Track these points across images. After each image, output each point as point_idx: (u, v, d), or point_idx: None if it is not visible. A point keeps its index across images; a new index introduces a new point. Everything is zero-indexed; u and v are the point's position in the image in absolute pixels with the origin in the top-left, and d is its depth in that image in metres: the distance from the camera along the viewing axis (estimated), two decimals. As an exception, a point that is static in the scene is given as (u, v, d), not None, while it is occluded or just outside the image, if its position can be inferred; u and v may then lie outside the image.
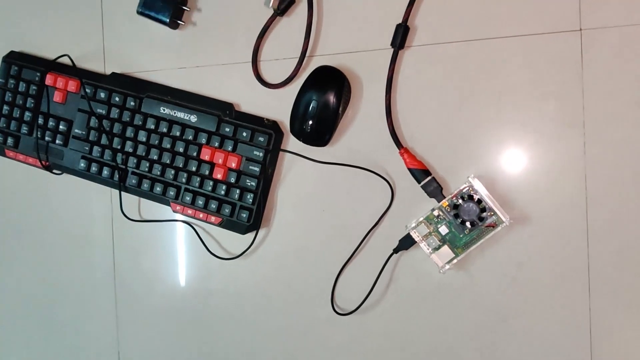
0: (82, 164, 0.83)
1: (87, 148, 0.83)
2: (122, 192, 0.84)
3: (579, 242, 0.69)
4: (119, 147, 0.81)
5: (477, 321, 0.73)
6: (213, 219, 0.79)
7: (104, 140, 0.82)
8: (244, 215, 0.77)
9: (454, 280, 0.73)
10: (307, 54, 0.76)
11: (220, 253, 0.81)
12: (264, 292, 0.80)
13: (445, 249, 0.70)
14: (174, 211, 0.81)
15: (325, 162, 0.76)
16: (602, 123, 0.68)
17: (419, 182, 0.71)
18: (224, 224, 0.79)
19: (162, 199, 0.81)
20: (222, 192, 0.78)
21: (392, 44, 0.72)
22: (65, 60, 0.85)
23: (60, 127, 0.84)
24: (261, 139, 0.76)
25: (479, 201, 0.69)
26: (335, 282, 0.76)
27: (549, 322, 0.71)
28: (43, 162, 0.85)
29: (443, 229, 0.71)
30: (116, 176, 0.82)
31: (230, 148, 0.77)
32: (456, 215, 0.70)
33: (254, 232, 0.79)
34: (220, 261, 0.81)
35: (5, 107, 0.86)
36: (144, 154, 0.80)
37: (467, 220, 0.69)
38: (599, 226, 0.69)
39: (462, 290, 0.73)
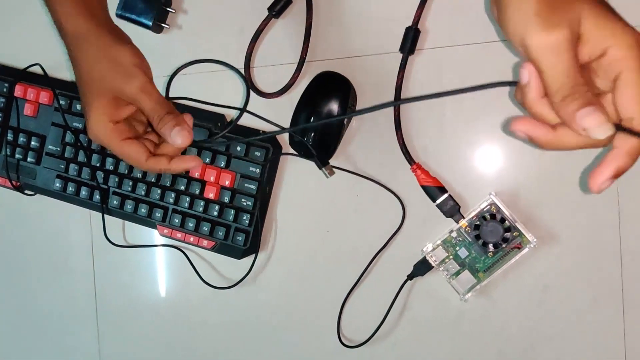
0: (57, 184, 0.78)
1: (62, 166, 0.78)
2: (104, 215, 0.78)
3: (612, 262, 0.66)
4: (98, 164, 0.76)
5: (502, 350, 0.69)
6: (205, 242, 0.73)
7: (81, 157, 0.77)
8: (240, 239, 0.72)
9: (475, 306, 0.69)
10: (307, 59, 0.71)
11: (214, 280, 0.76)
12: (263, 322, 0.76)
13: (466, 274, 0.67)
14: (162, 235, 0.76)
15: (336, 167, 0.71)
16: (635, 131, 0.63)
17: (434, 201, 0.66)
18: (217, 248, 0.74)
19: (147, 221, 0.76)
20: (215, 213, 0.73)
21: (401, 49, 0.68)
22: (36, 69, 0.80)
23: (32, 143, 0.79)
24: (257, 153, 0.71)
25: (502, 220, 0.64)
26: (341, 310, 0.72)
27: (580, 348, 0.67)
28: (14, 182, 0.80)
29: (462, 252, 0.66)
30: (96, 197, 0.77)
31: (223, 164, 0.72)
32: (477, 237, 0.65)
33: (252, 257, 0.74)
34: (214, 290, 0.76)
35: (-30, 122, 0.80)
36: (126, 172, 0.76)
37: (490, 242, 0.64)
38: (633, 244, 0.65)
39: (484, 317, 0.69)
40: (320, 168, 0.69)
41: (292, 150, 0.71)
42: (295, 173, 0.73)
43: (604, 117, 0.37)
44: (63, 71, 0.79)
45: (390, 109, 0.68)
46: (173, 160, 0.53)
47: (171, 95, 0.75)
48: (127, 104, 0.52)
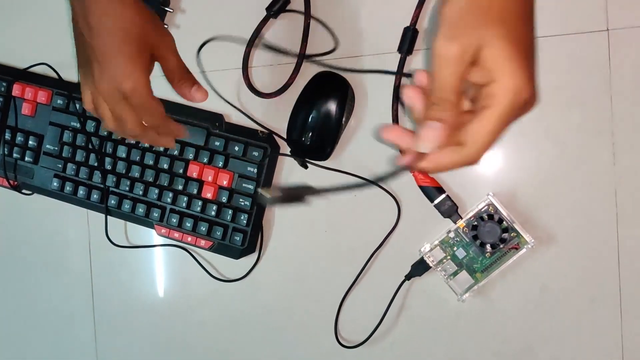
0: (54, 183, 0.78)
1: (60, 165, 0.78)
2: (100, 214, 0.78)
3: (609, 263, 0.65)
4: (95, 164, 0.76)
5: (499, 350, 0.69)
6: (203, 242, 0.73)
7: (79, 156, 0.77)
8: (238, 238, 0.71)
9: (473, 306, 0.69)
10: (305, 59, 0.70)
11: (211, 280, 0.76)
12: (260, 322, 0.76)
13: (464, 274, 0.66)
14: (159, 234, 0.75)
15: (327, 167, 0.70)
16: (633, 131, 0.64)
17: (432, 201, 0.66)
18: (215, 248, 0.73)
19: (145, 221, 0.75)
20: (213, 213, 0.72)
21: (399, 50, 0.67)
22: (36, 69, 0.80)
23: (30, 142, 0.79)
24: (255, 153, 0.71)
25: (500, 221, 0.64)
26: (338, 310, 0.72)
27: (578, 349, 0.67)
28: (11, 182, 0.80)
29: (460, 252, 0.66)
30: (94, 196, 0.76)
31: (220, 164, 0.72)
32: (474, 237, 0.65)
33: (250, 256, 0.74)
34: (212, 289, 0.76)
35: (-32, 122, 0.80)
36: (124, 171, 0.75)
37: (488, 243, 0.64)
38: (631, 245, 0.65)
39: (482, 318, 0.69)
40: (302, 166, 0.69)
41: (289, 151, 0.71)
42: (294, 173, 0.72)
43: (439, 138, 0.40)
44: (61, 70, 0.79)
45: (389, 109, 0.68)
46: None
47: (171, 97, 0.75)
48: (153, 61, 0.53)
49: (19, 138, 0.78)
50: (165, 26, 0.57)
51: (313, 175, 0.71)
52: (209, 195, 0.72)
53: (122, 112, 0.51)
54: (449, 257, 0.66)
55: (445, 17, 0.40)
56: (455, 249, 0.66)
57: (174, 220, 0.73)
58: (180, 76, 0.54)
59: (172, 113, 0.73)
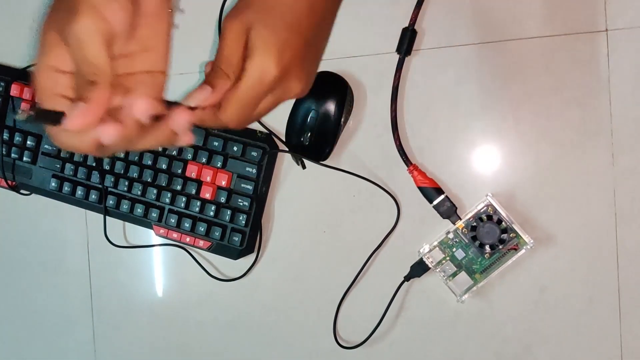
0: (53, 184, 0.78)
1: (58, 166, 0.77)
2: (99, 214, 0.77)
3: (608, 263, 0.65)
4: (94, 164, 0.76)
5: (499, 351, 0.69)
6: (201, 243, 0.73)
7: (77, 156, 0.76)
8: (236, 239, 0.71)
9: (472, 307, 0.68)
10: (303, 59, 0.69)
11: (210, 281, 0.76)
12: (259, 323, 0.75)
13: (463, 275, 0.66)
14: (158, 235, 0.75)
15: (327, 165, 0.70)
16: (632, 131, 0.64)
17: (431, 202, 0.66)
18: (213, 249, 0.73)
19: (143, 221, 0.75)
20: (211, 213, 0.72)
21: (398, 50, 0.67)
22: (34, 68, 0.78)
23: (28, 142, 0.78)
24: (254, 153, 0.70)
25: (499, 221, 0.64)
26: (337, 310, 0.72)
27: (577, 349, 0.67)
28: (9, 182, 0.80)
29: (459, 253, 0.66)
30: (92, 196, 0.76)
31: (219, 164, 0.71)
32: (474, 238, 0.65)
33: (249, 257, 0.73)
34: (211, 289, 0.76)
35: (-34, 122, 0.79)
36: (122, 171, 0.75)
37: (487, 244, 0.64)
38: (629, 245, 0.65)
39: (481, 319, 0.69)
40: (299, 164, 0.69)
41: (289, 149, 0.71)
42: (292, 173, 0.72)
43: (200, 99, 0.43)
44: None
45: (388, 109, 0.67)
46: None
47: (170, 97, 0.75)
48: None
49: (17, 138, 0.78)
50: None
51: (312, 174, 0.71)
52: (207, 196, 0.71)
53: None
54: (448, 258, 0.66)
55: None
56: (454, 249, 0.66)
57: (173, 221, 0.73)
58: None
59: (170, 113, 0.73)
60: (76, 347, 0.83)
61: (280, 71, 0.42)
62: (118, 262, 0.80)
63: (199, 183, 0.72)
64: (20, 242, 0.84)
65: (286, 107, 0.70)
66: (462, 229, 0.65)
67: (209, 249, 0.73)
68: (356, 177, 0.69)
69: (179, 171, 0.72)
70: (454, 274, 0.66)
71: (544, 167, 0.66)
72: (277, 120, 0.71)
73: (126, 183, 0.74)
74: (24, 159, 0.78)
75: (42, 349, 0.85)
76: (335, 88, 0.67)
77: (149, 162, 0.73)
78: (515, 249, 0.64)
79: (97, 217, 0.78)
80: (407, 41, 0.66)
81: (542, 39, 0.65)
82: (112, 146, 0.41)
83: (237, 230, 0.72)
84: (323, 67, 0.70)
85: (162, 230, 0.74)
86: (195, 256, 0.75)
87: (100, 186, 0.75)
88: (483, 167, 0.67)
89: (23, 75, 0.78)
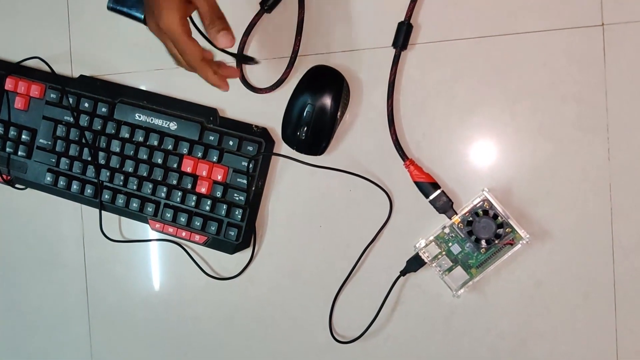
0: (48, 178, 0.77)
1: (53, 160, 0.77)
2: (94, 208, 0.77)
3: (604, 258, 0.65)
4: (89, 158, 0.75)
5: (494, 346, 0.68)
6: (197, 237, 0.73)
7: (72, 151, 0.76)
8: (232, 233, 0.71)
9: (467, 302, 0.68)
10: (299, 53, 0.70)
11: (205, 276, 0.75)
12: (255, 317, 0.75)
13: (459, 270, 0.66)
14: (153, 229, 0.74)
15: (321, 166, 0.70)
16: (628, 127, 0.64)
17: (427, 197, 0.66)
18: (209, 243, 0.73)
19: (139, 215, 0.75)
20: (207, 208, 0.72)
21: (394, 45, 0.67)
22: (29, 63, 0.79)
23: (23, 136, 0.78)
24: (250, 148, 0.70)
25: (495, 216, 0.64)
26: (333, 305, 0.72)
27: (572, 344, 0.67)
28: (4, 176, 0.80)
29: (455, 248, 0.66)
30: (88, 191, 0.76)
31: (215, 159, 0.71)
32: (469, 233, 0.64)
33: (244, 251, 0.73)
34: (207, 284, 0.76)
35: (-40, 116, 0.79)
36: (117, 166, 0.75)
37: (483, 238, 0.64)
38: (625, 240, 0.65)
39: (477, 313, 0.68)
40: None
41: (285, 146, 0.70)
42: (288, 168, 0.72)
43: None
44: (55, 64, 0.78)
45: (384, 103, 0.67)
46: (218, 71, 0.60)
47: (165, 91, 0.74)
48: (190, 4, 0.58)
49: (12, 132, 0.78)
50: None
51: (308, 169, 0.70)
52: (203, 190, 0.71)
53: (169, 48, 0.58)
54: (444, 253, 0.66)
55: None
56: (450, 244, 0.66)
57: (168, 215, 0.73)
58: (210, 20, 0.57)
59: (165, 107, 0.73)
60: (72, 341, 0.83)
61: None
62: (114, 256, 0.79)
63: (195, 177, 0.72)
64: (16, 237, 0.83)
65: (282, 101, 0.69)
66: (458, 223, 0.65)
67: (204, 244, 0.73)
68: (350, 174, 0.69)
69: (175, 166, 0.72)
70: (450, 269, 0.66)
71: (540, 162, 0.66)
72: (273, 114, 0.71)
73: (122, 177, 0.74)
74: (19, 153, 0.78)
75: (38, 343, 0.84)
76: (332, 82, 0.67)
77: (145, 157, 0.73)
78: (511, 244, 0.64)
79: (92, 212, 0.78)
80: (403, 35, 0.66)
81: (538, 34, 0.64)
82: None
83: (233, 224, 0.71)
84: (319, 61, 0.70)
85: (157, 225, 0.74)
86: (190, 252, 0.75)
87: (95, 181, 0.75)
88: (479, 162, 0.67)
89: (17, 70, 0.78)
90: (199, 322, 0.77)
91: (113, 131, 0.74)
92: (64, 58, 0.78)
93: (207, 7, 0.57)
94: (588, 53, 0.64)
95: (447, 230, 0.66)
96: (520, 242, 0.64)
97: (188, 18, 0.58)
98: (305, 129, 0.68)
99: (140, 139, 0.73)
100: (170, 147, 0.72)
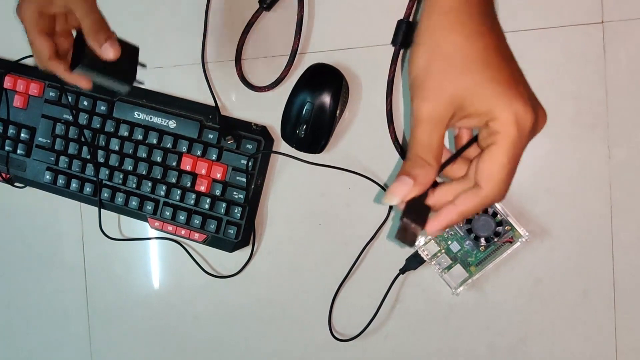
0: (47, 176, 0.77)
1: (52, 158, 0.77)
2: (93, 207, 0.77)
3: (603, 255, 0.65)
4: (88, 157, 0.75)
5: (493, 343, 0.68)
6: (197, 235, 0.72)
7: (71, 149, 0.76)
8: (232, 232, 0.71)
9: (467, 299, 0.68)
10: (298, 51, 0.70)
11: (204, 274, 0.75)
12: (254, 316, 0.75)
13: (458, 268, 0.66)
14: (152, 227, 0.74)
15: (320, 164, 0.70)
16: (628, 124, 0.63)
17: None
18: (209, 241, 0.73)
19: (138, 214, 0.75)
20: (207, 206, 0.72)
21: (393, 42, 0.67)
22: (28, 61, 0.79)
23: (22, 135, 0.78)
24: (249, 146, 0.70)
25: (494, 214, 0.63)
26: (332, 303, 0.72)
27: (571, 341, 0.67)
28: (3, 175, 0.80)
29: (454, 246, 0.66)
30: (87, 189, 0.76)
31: (214, 157, 0.71)
32: (469, 231, 0.64)
33: (244, 249, 0.73)
34: (206, 282, 0.76)
35: (-41, 114, 0.79)
36: (117, 164, 0.74)
37: (482, 236, 0.64)
38: (625, 237, 0.64)
39: (476, 311, 0.68)
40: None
41: (284, 144, 0.70)
42: (288, 166, 0.72)
43: (406, 194, 0.40)
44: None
45: (383, 103, 0.67)
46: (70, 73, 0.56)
47: (164, 89, 0.74)
48: (60, 6, 0.54)
49: (11, 131, 0.78)
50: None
51: (308, 167, 0.70)
52: (202, 188, 0.71)
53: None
54: (443, 251, 0.66)
55: (414, 77, 0.40)
56: (449, 242, 0.66)
57: (168, 213, 0.73)
58: (93, 33, 0.53)
59: (164, 105, 0.73)
60: (71, 339, 0.83)
61: (531, 109, 0.39)
62: (113, 255, 0.79)
63: (194, 176, 0.72)
64: (15, 235, 0.83)
65: (282, 99, 0.69)
66: (458, 221, 0.65)
67: (204, 242, 0.73)
68: (350, 172, 0.69)
69: (174, 164, 0.72)
70: (449, 267, 0.66)
71: (539, 160, 0.66)
72: (272, 112, 0.71)
73: (121, 176, 0.74)
74: (18, 151, 0.78)
75: (38, 341, 0.84)
76: (331, 80, 0.67)
77: (144, 155, 0.73)
78: (510, 242, 0.64)
79: (92, 210, 0.78)
80: (402, 33, 0.66)
81: (537, 31, 0.64)
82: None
83: (232, 223, 0.71)
84: (318, 59, 0.69)
85: (157, 223, 0.74)
86: (190, 250, 0.75)
87: (94, 179, 0.75)
88: (478, 160, 0.67)
89: (16, 68, 0.78)
90: (198, 320, 0.77)
91: (112, 129, 0.74)
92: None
93: (89, 19, 0.53)
94: (588, 50, 0.63)
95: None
96: (520, 240, 0.64)
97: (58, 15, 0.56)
98: (305, 127, 0.67)
99: (139, 137, 0.73)
100: (169, 145, 0.72)
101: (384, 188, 0.68)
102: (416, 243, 0.66)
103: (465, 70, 0.39)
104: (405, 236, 0.41)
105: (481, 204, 0.40)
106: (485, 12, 0.41)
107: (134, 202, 0.74)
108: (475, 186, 0.40)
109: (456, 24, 0.39)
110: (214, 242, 0.73)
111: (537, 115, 0.40)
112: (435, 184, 0.42)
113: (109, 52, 0.53)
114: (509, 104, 0.38)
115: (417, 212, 0.41)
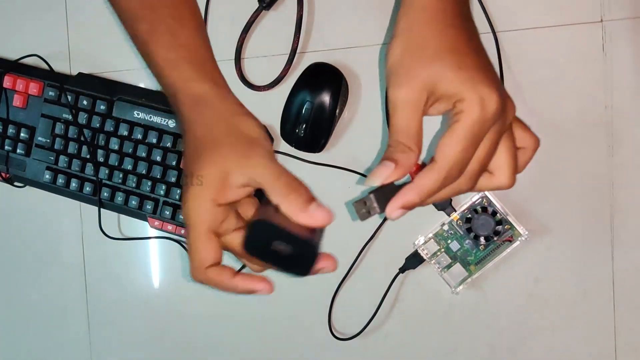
0: (47, 176, 0.77)
1: (52, 158, 0.77)
2: (93, 206, 0.77)
3: (603, 255, 0.65)
4: (88, 156, 0.75)
5: (493, 343, 0.69)
6: (196, 235, 0.72)
7: (71, 148, 0.76)
8: (231, 231, 0.70)
9: (466, 298, 0.68)
10: (298, 50, 0.70)
11: (205, 273, 0.75)
12: (254, 315, 0.75)
13: (458, 267, 0.66)
14: (152, 227, 0.74)
15: (320, 163, 0.70)
16: (630, 122, 0.64)
17: (426, 193, 0.65)
18: (208, 241, 0.72)
19: (138, 213, 0.75)
20: (206, 206, 0.71)
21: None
22: (27, 60, 0.78)
23: (22, 134, 0.77)
24: (248, 145, 0.69)
25: (494, 213, 0.64)
26: (332, 302, 0.72)
27: (571, 340, 0.67)
28: (3, 174, 0.79)
29: (454, 245, 0.66)
30: (87, 189, 0.76)
31: (213, 156, 0.70)
32: (468, 230, 0.64)
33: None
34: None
35: (-42, 113, 0.79)
36: (116, 163, 0.74)
37: (482, 235, 0.64)
38: (625, 237, 0.65)
39: (476, 310, 0.69)
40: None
41: (284, 143, 0.70)
42: (287, 165, 0.71)
43: (388, 177, 0.42)
44: (53, 61, 0.78)
45: (383, 103, 0.67)
46: (238, 277, 0.47)
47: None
48: (237, 187, 0.45)
49: (11, 130, 0.77)
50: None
51: (307, 166, 0.70)
52: (202, 188, 0.71)
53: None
54: (443, 250, 0.66)
55: (389, 67, 0.42)
56: (449, 241, 0.66)
57: (167, 213, 0.73)
58: (282, 196, 0.44)
59: (164, 104, 0.73)
60: (71, 338, 0.82)
61: (498, 95, 0.40)
62: (113, 254, 0.79)
63: (194, 175, 0.72)
64: (15, 235, 0.83)
65: (281, 98, 0.69)
66: (457, 220, 0.65)
67: (203, 241, 0.73)
68: (349, 171, 0.69)
69: (174, 163, 0.72)
70: (449, 266, 0.66)
71: (540, 159, 0.65)
72: (271, 111, 0.71)
73: (120, 175, 0.74)
74: (18, 151, 0.77)
75: (37, 341, 0.84)
76: (330, 79, 0.67)
77: (144, 154, 0.73)
78: (510, 241, 0.64)
79: (91, 210, 0.78)
80: (402, 32, 0.66)
81: (538, 30, 0.64)
82: None
83: (231, 222, 0.71)
84: (318, 58, 0.69)
85: (157, 222, 0.74)
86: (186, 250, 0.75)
87: (94, 178, 0.75)
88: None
89: (16, 67, 0.78)
90: (198, 320, 0.77)
91: (112, 129, 0.74)
92: (63, 56, 0.78)
93: (275, 178, 0.43)
94: (588, 49, 0.64)
95: (446, 228, 0.66)
96: (519, 239, 0.64)
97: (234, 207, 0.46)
98: (304, 126, 0.68)
99: (139, 136, 0.73)
100: (169, 144, 0.72)
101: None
102: (415, 242, 0.66)
103: (436, 58, 0.41)
104: (362, 209, 0.44)
105: (437, 179, 0.41)
106: (459, 12, 0.43)
107: (133, 202, 0.74)
108: (431, 161, 0.41)
109: (430, 20, 0.42)
110: (213, 241, 0.72)
111: (505, 103, 0.41)
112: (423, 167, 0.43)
113: (323, 216, 0.44)
114: (474, 87, 0.40)
115: (386, 196, 0.42)
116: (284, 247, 0.42)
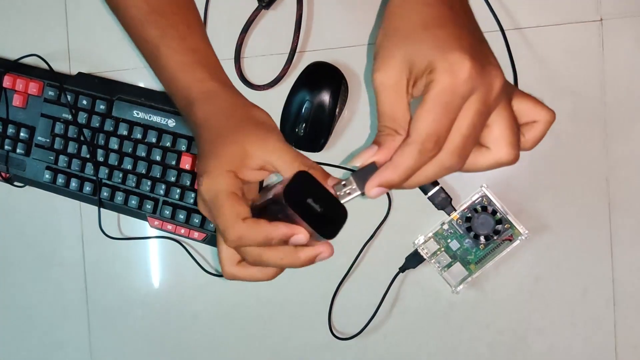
0: (47, 176, 0.77)
1: (52, 157, 0.77)
2: (93, 206, 0.77)
3: (602, 253, 0.65)
4: (88, 156, 0.75)
5: (493, 341, 0.69)
6: (196, 234, 0.73)
7: (70, 148, 0.76)
8: (231, 231, 0.70)
9: (466, 297, 0.68)
10: (298, 50, 0.70)
11: (204, 273, 0.75)
12: (254, 314, 0.75)
13: (458, 266, 0.66)
14: (152, 226, 0.74)
15: (320, 162, 0.68)
16: (626, 121, 0.64)
17: (426, 193, 0.66)
18: (208, 240, 0.73)
19: (138, 213, 0.75)
20: (206, 205, 0.71)
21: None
22: (27, 60, 0.78)
23: (21, 134, 0.78)
24: (248, 145, 0.69)
25: (494, 212, 0.64)
26: (332, 302, 0.72)
27: (571, 339, 0.67)
28: (3, 174, 0.79)
29: (454, 244, 0.66)
30: (87, 188, 0.76)
31: (213, 156, 0.70)
32: (468, 229, 0.64)
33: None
34: (206, 281, 0.76)
35: (-42, 113, 0.79)
36: (116, 163, 0.74)
37: (482, 234, 0.64)
38: (623, 234, 0.65)
39: (476, 309, 0.69)
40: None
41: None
42: (287, 165, 0.72)
43: (365, 156, 0.42)
44: (53, 61, 0.78)
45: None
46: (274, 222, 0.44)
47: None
48: (253, 169, 0.46)
49: (11, 130, 0.77)
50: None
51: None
52: (202, 187, 0.71)
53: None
54: (442, 249, 0.66)
55: (374, 52, 0.42)
56: (449, 240, 0.66)
57: (167, 212, 0.73)
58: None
59: (163, 104, 0.73)
60: (71, 338, 0.82)
61: (471, 61, 0.38)
62: (113, 254, 0.79)
63: (194, 174, 0.72)
64: (14, 235, 0.83)
65: (281, 98, 0.69)
66: (457, 220, 0.65)
67: (203, 241, 0.73)
68: (348, 170, 0.69)
69: (173, 163, 0.72)
70: (449, 265, 0.66)
71: (538, 157, 0.66)
72: (271, 110, 0.70)
73: (120, 175, 0.74)
74: (18, 150, 0.77)
75: (37, 341, 0.84)
76: (330, 78, 0.67)
77: (143, 154, 0.73)
78: (510, 240, 0.64)
79: (91, 209, 0.78)
80: (401, 31, 0.66)
81: (536, 29, 0.64)
82: None
83: (231, 221, 0.71)
84: (317, 57, 0.69)
85: (156, 222, 0.74)
86: (189, 249, 0.75)
87: (94, 178, 0.75)
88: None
89: (15, 67, 0.78)
90: (198, 319, 0.77)
91: (111, 128, 0.74)
92: (62, 55, 0.78)
93: (291, 158, 0.45)
94: (586, 48, 0.64)
95: (445, 227, 0.66)
96: (519, 238, 0.64)
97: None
98: (304, 125, 0.68)
99: (139, 136, 0.73)
100: (168, 144, 0.72)
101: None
102: (415, 241, 0.66)
103: (409, 35, 0.40)
104: (341, 189, 0.44)
105: (411, 154, 0.39)
106: (447, 2, 0.42)
107: (133, 201, 0.74)
108: (406, 137, 0.40)
109: (405, 1, 0.42)
110: (213, 240, 0.72)
111: (484, 70, 0.39)
112: None
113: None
114: (444, 54, 0.38)
115: (366, 177, 0.42)
116: (317, 207, 0.45)
